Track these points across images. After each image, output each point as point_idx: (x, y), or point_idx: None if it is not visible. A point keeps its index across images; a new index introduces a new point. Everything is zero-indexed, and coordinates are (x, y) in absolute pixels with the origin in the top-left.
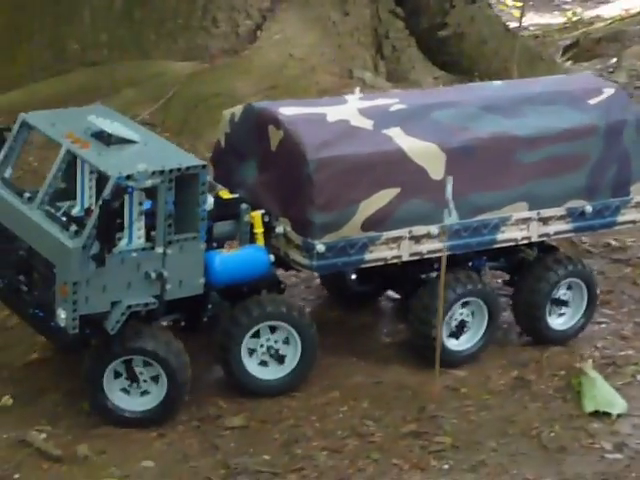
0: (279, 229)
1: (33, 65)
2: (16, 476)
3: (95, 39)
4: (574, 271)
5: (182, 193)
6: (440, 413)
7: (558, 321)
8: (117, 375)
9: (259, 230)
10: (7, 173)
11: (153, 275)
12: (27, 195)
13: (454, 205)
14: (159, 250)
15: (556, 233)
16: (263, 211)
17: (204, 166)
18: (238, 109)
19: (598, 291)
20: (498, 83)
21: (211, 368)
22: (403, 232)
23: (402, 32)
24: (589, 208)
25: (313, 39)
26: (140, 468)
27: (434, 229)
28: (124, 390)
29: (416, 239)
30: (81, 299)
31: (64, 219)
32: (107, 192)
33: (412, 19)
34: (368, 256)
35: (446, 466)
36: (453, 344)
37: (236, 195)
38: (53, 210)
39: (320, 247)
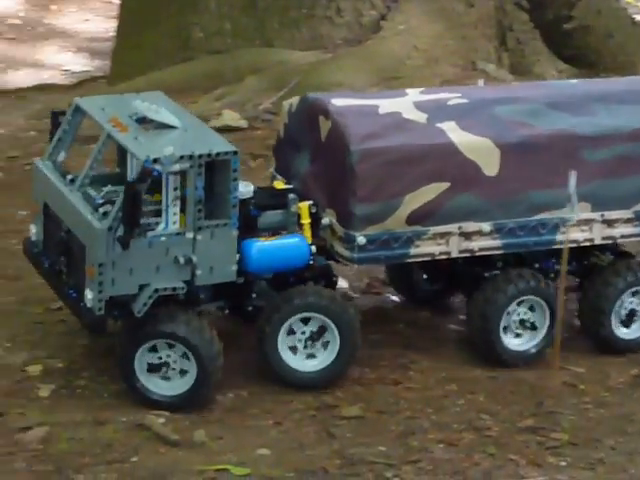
0: (325, 220)
1: (158, 53)
2: (133, 459)
3: (219, 27)
4: None
5: (214, 179)
6: (558, 409)
7: (623, 330)
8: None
9: (306, 221)
10: (60, 157)
11: (182, 260)
12: (69, 178)
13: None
14: (189, 235)
15: (622, 236)
16: (311, 202)
17: (235, 152)
18: (295, 100)
19: None
20: (574, 81)
21: None
22: (452, 228)
23: (526, 24)
24: None
25: (436, 30)
26: (256, 455)
27: (486, 226)
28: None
29: (466, 235)
30: (107, 281)
31: (100, 202)
32: (133, 174)
33: (537, 11)
34: (413, 251)
35: (563, 463)
36: (514, 343)
37: (290, 186)
38: (92, 193)
39: (361, 239)
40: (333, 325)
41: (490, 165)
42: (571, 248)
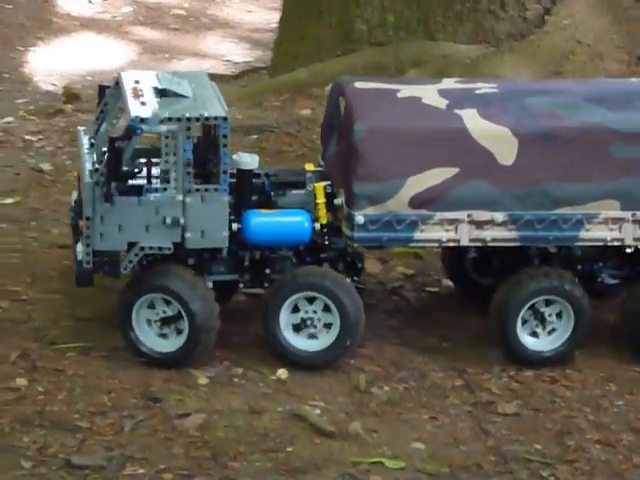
0: (337, 201)
1: (320, 44)
2: (289, 449)
3: (382, 20)
4: None
5: (208, 145)
6: None
7: None
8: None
9: (320, 200)
10: (103, 127)
11: (169, 220)
12: (90, 142)
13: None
14: (179, 197)
15: None
16: (327, 182)
17: (225, 118)
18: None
19: None
20: (633, 80)
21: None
22: (461, 215)
23: None
24: None
25: (602, 25)
26: (410, 449)
27: (498, 216)
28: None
29: (477, 224)
30: (96, 235)
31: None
32: (120, 132)
33: None
34: (419, 235)
35: None
36: (532, 343)
37: (318, 168)
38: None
39: (359, 218)
40: (334, 307)
41: (505, 154)
42: (620, 251)
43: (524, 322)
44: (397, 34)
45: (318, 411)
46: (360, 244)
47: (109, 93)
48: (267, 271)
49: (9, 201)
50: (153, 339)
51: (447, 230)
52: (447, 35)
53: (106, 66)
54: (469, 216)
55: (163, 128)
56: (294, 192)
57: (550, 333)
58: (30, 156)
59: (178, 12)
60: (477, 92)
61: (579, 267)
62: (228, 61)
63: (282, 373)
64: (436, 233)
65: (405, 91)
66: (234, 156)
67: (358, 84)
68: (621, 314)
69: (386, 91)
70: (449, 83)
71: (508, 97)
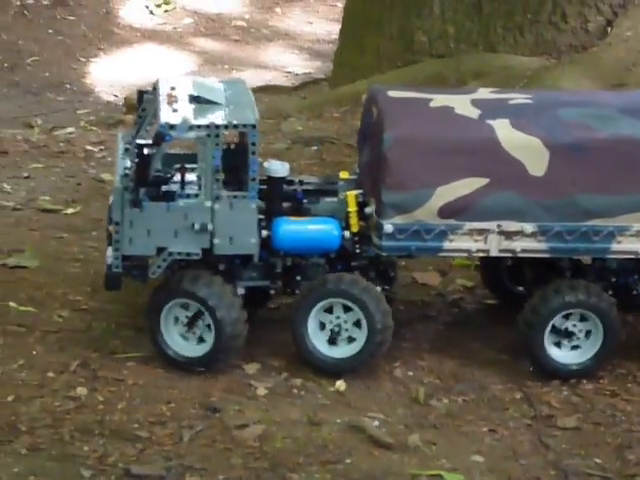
0: (368, 210)
1: (381, 56)
2: (347, 461)
3: (443, 31)
4: None
5: (241, 152)
6: None
7: None
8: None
9: (352, 209)
10: (141, 132)
11: (197, 226)
12: (125, 147)
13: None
14: (207, 204)
15: None
16: (360, 191)
17: (253, 125)
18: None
19: None
20: None
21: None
22: (490, 225)
23: None
24: None
25: None
26: (469, 462)
27: (528, 227)
28: (181, 335)
29: (506, 235)
30: (124, 240)
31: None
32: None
33: None
34: (448, 245)
35: None
36: (558, 355)
37: (352, 176)
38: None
39: (388, 227)
40: (362, 315)
41: (537, 165)
42: None
43: (554, 334)
44: (458, 46)
45: (377, 423)
46: (388, 253)
47: (147, 99)
48: (298, 278)
49: (70, 211)
50: (180, 343)
51: (476, 240)
52: (508, 47)
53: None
54: (499, 226)
55: (192, 135)
56: (326, 200)
57: (576, 347)
58: (91, 166)
59: (239, 23)
60: (511, 102)
61: (613, 280)
62: (289, 72)
63: (341, 384)
64: (465, 243)
65: (438, 100)
66: (265, 163)
67: (391, 93)
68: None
69: (419, 100)
70: (484, 93)
71: (542, 108)
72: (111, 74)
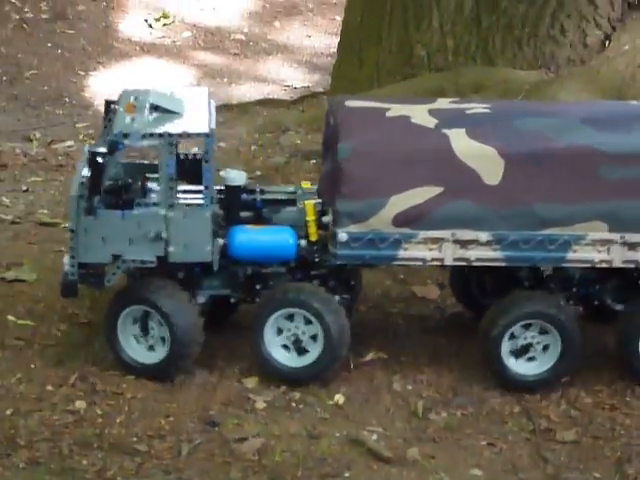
0: (325, 218)
1: (379, 69)
2: (346, 474)
3: (442, 44)
4: None
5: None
6: None
7: None
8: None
9: (310, 218)
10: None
11: (151, 234)
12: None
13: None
14: (161, 212)
15: None
16: (318, 201)
17: (207, 135)
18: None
19: None
20: (635, 102)
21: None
22: (445, 234)
23: None
24: None
25: None
26: (468, 475)
27: (483, 235)
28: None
29: (461, 243)
30: (80, 248)
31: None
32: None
33: None
34: (402, 253)
35: None
36: (514, 364)
37: (314, 186)
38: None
39: (342, 235)
40: (316, 322)
41: (491, 174)
42: (613, 272)
43: (511, 344)
44: (457, 59)
45: (376, 436)
46: (343, 261)
47: (112, 108)
48: (258, 287)
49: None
50: (137, 350)
51: (431, 249)
52: (507, 60)
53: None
54: (453, 235)
55: (145, 143)
56: (287, 209)
57: (532, 359)
58: None
59: (238, 37)
60: (468, 112)
61: (574, 290)
62: (287, 86)
63: (340, 398)
64: (420, 252)
65: (394, 110)
66: (222, 172)
67: (349, 103)
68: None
69: (375, 110)
70: (443, 103)
71: (499, 118)
72: (110, 87)
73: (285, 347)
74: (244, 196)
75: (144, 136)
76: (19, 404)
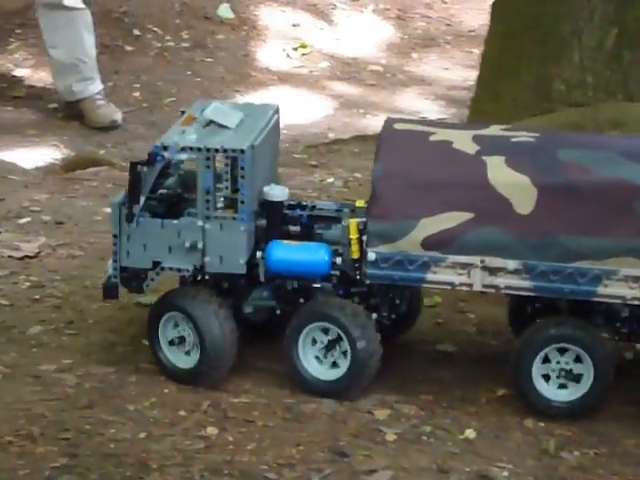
0: (364, 237)
1: (517, 103)
2: None
3: (581, 80)
4: None
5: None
6: None
7: None
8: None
9: (353, 236)
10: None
11: (187, 244)
12: None
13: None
14: (199, 223)
15: None
16: (362, 219)
17: (242, 151)
18: None
19: None
20: None
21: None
22: (474, 259)
23: None
24: None
25: None
26: None
27: (511, 263)
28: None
29: (490, 270)
30: (123, 252)
31: None
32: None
33: None
34: (431, 277)
35: None
36: (549, 392)
37: (365, 204)
38: None
39: (371, 255)
40: (345, 338)
41: (523, 203)
42: None
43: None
44: (596, 95)
45: (506, 473)
46: (372, 280)
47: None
48: (302, 300)
49: None
50: (176, 356)
51: (460, 274)
52: None
53: (302, 120)
54: (482, 262)
55: (184, 157)
56: (338, 226)
57: (564, 385)
58: None
59: (375, 68)
60: (513, 140)
61: (617, 325)
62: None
63: (470, 433)
64: (449, 276)
65: (439, 135)
66: (265, 188)
67: (398, 125)
68: None
69: (419, 133)
70: (493, 130)
71: (542, 147)
72: None
73: (317, 359)
74: (290, 212)
75: (183, 149)
76: (152, 428)
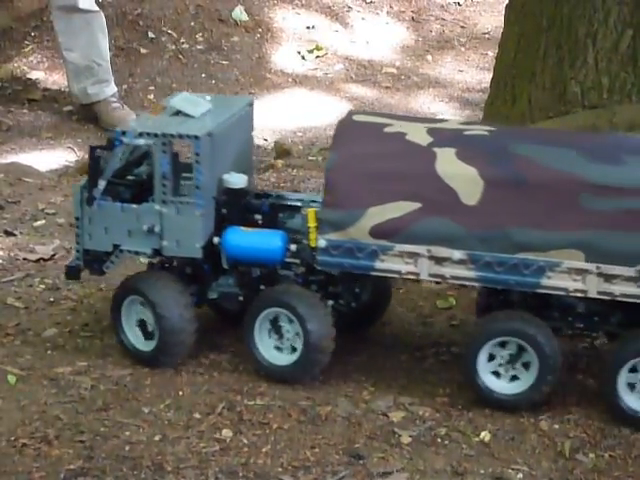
0: None
1: (532, 106)
2: None
3: (597, 82)
4: None
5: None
6: None
7: None
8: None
9: (311, 224)
10: None
11: (145, 227)
12: None
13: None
14: (156, 207)
15: (623, 295)
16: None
17: (197, 137)
18: None
19: None
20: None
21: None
22: (420, 249)
23: None
24: None
25: None
26: None
27: (457, 254)
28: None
29: (437, 260)
30: (85, 235)
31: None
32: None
33: None
34: (379, 265)
35: None
36: (494, 385)
37: None
38: None
39: (321, 242)
40: (297, 322)
41: (470, 195)
42: (613, 304)
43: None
44: (612, 97)
45: (521, 475)
46: (323, 267)
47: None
48: (262, 287)
49: None
50: (137, 338)
51: (407, 262)
52: None
53: (317, 122)
54: (429, 251)
55: (141, 142)
56: (298, 215)
57: (514, 378)
58: None
59: (390, 70)
60: (466, 133)
61: (569, 318)
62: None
63: (486, 435)
64: (396, 265)
65: (394, 126)
66: (225, 175)
67: (356, 117)
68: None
69: (375, 125)
70: (450, 124)
71: (495, 140)
72: (261, 118)
73: (275, 346)
74: (253, 200)
75: (141, 135)
76: (167, 430)
